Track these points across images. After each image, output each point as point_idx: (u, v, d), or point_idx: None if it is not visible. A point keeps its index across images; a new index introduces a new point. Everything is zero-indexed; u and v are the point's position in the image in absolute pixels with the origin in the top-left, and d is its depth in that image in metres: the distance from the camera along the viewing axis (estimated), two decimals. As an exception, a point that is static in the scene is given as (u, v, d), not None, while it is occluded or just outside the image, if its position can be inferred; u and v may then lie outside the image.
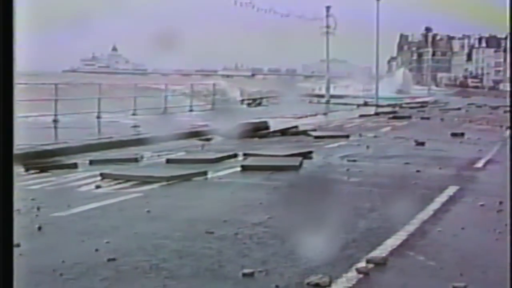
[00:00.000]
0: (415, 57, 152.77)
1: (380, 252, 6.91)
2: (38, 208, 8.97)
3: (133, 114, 26.53)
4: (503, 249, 6.05)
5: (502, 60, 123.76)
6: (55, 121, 21.98)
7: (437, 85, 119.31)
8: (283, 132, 21.53)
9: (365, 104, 44.31)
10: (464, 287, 5.77)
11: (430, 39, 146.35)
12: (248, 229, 7.91)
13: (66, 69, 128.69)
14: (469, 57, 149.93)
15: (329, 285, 5.78)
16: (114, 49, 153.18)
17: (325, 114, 35.65)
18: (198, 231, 7.75)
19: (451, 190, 11.18)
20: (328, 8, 50.88)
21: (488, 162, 15.27)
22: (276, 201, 10.11)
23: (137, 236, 7.54)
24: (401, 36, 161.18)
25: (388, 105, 43.39)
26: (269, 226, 8.10)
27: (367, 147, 17.84)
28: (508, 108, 26.30)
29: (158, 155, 15.36)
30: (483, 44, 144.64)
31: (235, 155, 15.10)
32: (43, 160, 13.62)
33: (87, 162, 13.79)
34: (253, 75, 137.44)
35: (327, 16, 50.84)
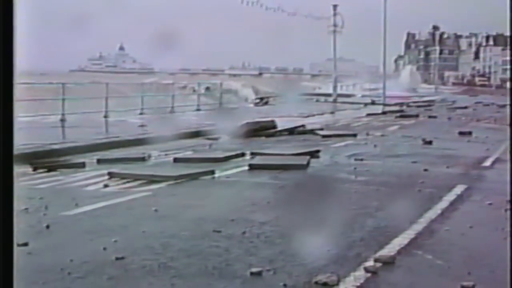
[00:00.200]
0: (422, 55, 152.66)
1: (388, 251, 6.90)
2: (46, 207, 8.99)
3: (141, 113, 26.56)
4: None
5: (509, 58, 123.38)
6: (62, 120, 22.01)
7: (444, 84, 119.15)
8: (291, 131, 21.52)
9: (373, 103, 44.25)
10: (473, 286, 5.76)
11: (437, 37, 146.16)
12: (255, 228, 7.91)
13: (73, 68, 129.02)
14: (476, 55, 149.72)
15: (337, 284, 5.78)
16: (121, 48, 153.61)
17: (332, 113, 35.62)
18: (206, 230, 7.76)
19: (459, 189, 11.16)
20: (335, 6, 50.85)
21: (496, 161, 15.23)
22: (284, 200, 10.11)
23: (145, 235, 7.55)
24: (408, 34, 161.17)
25: (395, 104, 43.33)
26: (277, 225, 8.10)
27: (375, 146, 17.83)
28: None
29: (166, 154, 15.38)
30: (491, 42, 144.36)
31: (243, 154, 15.11)
32: (51, 159, 13.66)
33: (95, 161, 13.82)
34: (260, 74, 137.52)
35: (334, 14, 50.79)
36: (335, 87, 49.76)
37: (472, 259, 6.84)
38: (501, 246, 6.93)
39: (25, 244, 6.73)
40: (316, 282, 5.76)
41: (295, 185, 11.43)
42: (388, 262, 6.46)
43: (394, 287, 6.04)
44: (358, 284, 5.86)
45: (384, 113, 34.78)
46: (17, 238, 6.20)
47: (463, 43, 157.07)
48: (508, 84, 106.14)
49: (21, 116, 18.25)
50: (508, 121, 25.61)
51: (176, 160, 14.30)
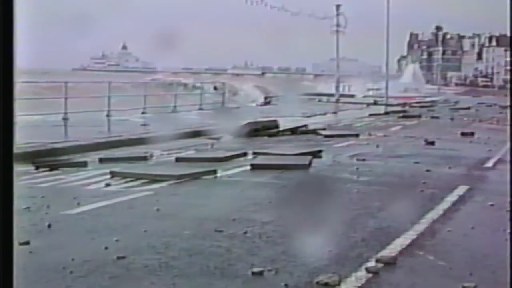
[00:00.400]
0: (425, 56, 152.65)
1: (390, 251, 6.90)
2: (48, 206, 8.99)
3: (143, 113, 26.57)
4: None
5: (510, 59, 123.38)
6: (65, 119, 22.03)
7: (447, 84, 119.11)
8: (293, 131, 21.52)
9: (375, 103, 44.25)
10: (474, 287, 5.76)
11: (440, 37, 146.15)
12: (257, 227, 7.91)
13: (76, 67, 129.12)
14: (479, 56, 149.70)
15: (339, 284, 5.78)
16: (124, 47, 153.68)
17: (334, 113, 35.62)
18: (208, 229, 7.76)
19: (461, 189, 11.15)
20: (338, 6, 50.89)
21: (498, 162, 15.23)
22: (286, 200, 10.11)
23: (147, 234, 7.55)
24: (411, 34, 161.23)
25: (398, 104, 43.33)
26: (279, 224, 8.09)
27: (377, 146, 17.82)
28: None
29: (168, 154, 15.38)
30: (494, 43, 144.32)
31: (245, 154, 15.11)
32: (53, 158, 13.66)
33: (97, 160, 13.82)
34: (263, 73, 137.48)
35: (337, 14, 50.85)
36: (337, 87, 49.76)
37: (473, 260, 6.83)
38: (503, 247, 6.92)
39: (27, 243, 6.74)
40: (317, 282, 5.76)
41: (297, 185, 11.42)
42: (390, 263, 6.46)
43: (396, 287, 6.04)
44: (360, 284, 5.86)
45: (386, 113, 34.80)
46: (19, 237, 6.22)
47: (466, 44, 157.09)
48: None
49: (23, 114, 18.28)
50: (510, 122, 25.60)
51: (178, 159, 14.31)
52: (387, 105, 42.21)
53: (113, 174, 11.78)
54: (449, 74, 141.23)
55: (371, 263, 6.39)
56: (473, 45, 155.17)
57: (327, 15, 52.46)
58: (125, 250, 6.69)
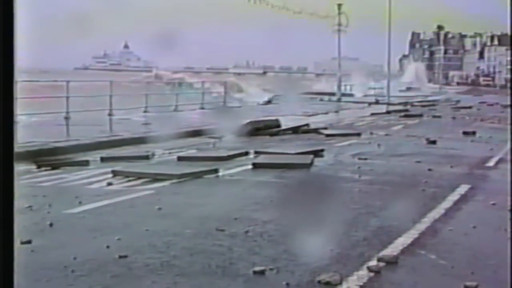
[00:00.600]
0: (427, 55, 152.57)
1: (392, 250, 6.90)
2: (50, 205, 9.00)
3: (145, 112, 26.56)
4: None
5: (510, 58, 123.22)
6: (66, 118, 22.02)
7: (448, 83, 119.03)
8: (294, 130, 21.51)
9: (377, 102, 44.23)
10: (476, 286, 5.76)
11: (442, 37, 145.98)
12: (259, 226, 7.91)
13: (78, 66, 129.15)
14: (481, 55, 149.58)
15: (340, 283, 5.78)
16: (126, 46, 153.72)
17: (336, 112, 35.60)
18: (209, 228, 7.76)
19: (462, 188, 11.16)
20: (340, 5, 50.81)
21: (499, 161, 15.22)
22: (287, 199, 10.11)
23: (148, 233, 7.55)
24: (413, 34, 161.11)
25: (399, 103, 43.31)
26: (280, 223, 8.10)
27: (378, 145, 17.81)
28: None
29: (169, 153, 15.39)
30: (495, 42, 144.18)
31: (246, 153, 15.10)
32: (54, 157, 13.67)
33: (99, 159, 13.83)
34: (264, 72, 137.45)
35: (339, 13, 50.77)
36: (339, 86, 49.73)
37: (475, 259, 6.83)
38: (505, 246, 6.92)
39: (29, 242, 6.74)
40: (319, 281, 5.76)
41: (299, 184, 11.43)
42: (391, 262, 6.46)
43: (397, 286, 6.04)
44: (361, 283, 5.86)
45: (388, 112, 34.75)
46: (21, 236, 6.24)
47: (468, 43, 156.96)
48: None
49: (25, 114, 18.30)
50: None
51: (179, 158, 14.31)
52: (388, 104, 42.18)
53: (114, 173, 11.79)
54: (451, 73, 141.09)
55: (373, 262, 6.39)
56: (474, 44, 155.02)
57: (329, 14, 52.45)
58: (126, 249, 6.69)
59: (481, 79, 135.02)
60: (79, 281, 5.75)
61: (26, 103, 18.56)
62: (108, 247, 6.78)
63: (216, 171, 12.22)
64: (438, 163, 14.39)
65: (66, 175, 11.86)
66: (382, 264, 6.37)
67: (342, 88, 50.91)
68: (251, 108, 34.63)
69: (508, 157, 15.33)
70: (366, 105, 41.45)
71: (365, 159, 14.73)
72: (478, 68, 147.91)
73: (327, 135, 20.38)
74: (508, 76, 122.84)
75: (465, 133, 21.96)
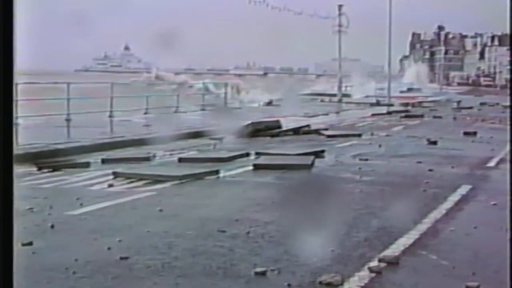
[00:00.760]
0: (427, 55, 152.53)
1: (393, 251, 6.90)
2: (51, 207, 9.00)
3: (145, 113, 26.55)
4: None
5: (509, 59, 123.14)
6: (67, 120, 22.02)
7: (449, 84, 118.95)
8: (295, 131, 21.51)
9: (377, 103, 44.21)
10: (477, 287, 5.76)
11: (442, 37, 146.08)
12: (260, 227, 7.91)
13: (78, 68, 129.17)
14: (481, 55, 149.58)
15: (342, 284, 5.78)
16: (127, 48, 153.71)
17: (337, 113, 35.59)
18: (210, 229, 7.76)
19: (463, 189, 11.16)
20: (340, 6, 50.76)
21: (500, 161, 15.21)
22: (288, 200, 10.11)
23: (150, 234, 7.56)
24: (414, 34, 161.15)
25: (400, 104, 43.30)
26: (281, 224, 8.10)
27: (379, 146, 17.81)
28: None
29: (170, 154, 15.39)
30: (496, 43, 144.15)
31: (247, 154, 15.11)
32: (56, 159, 13.67)
33: (100, 161, 13.83)
34: (265, 74, 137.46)
35: (340, 14, 50.72)
36: (339, 87, 49.71)
37: (477, 260, 6.83)
38: (506, 246, 6.92)
39: (30, 244, 6.75)
40: (320, 282, 5.76)
41: (300, 185, 11.43)
42: (393, 262, 6.46)
43: (399, 287, 6.04)
44: (363, 284, 5.86)
45: (389, 113, 34.75)
46: (22, 237, 6.25)
47: (468, 43, 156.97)
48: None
49: (26, 116, 18.29)
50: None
51: (180, 160, 14.32)
52: (389, 105, 42.17)
53: (116, 175, 11.79)
54: (452, 73, 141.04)
55: (374, 263, 6.39)
56: (475, 45, 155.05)
57: (329, 15, 52.42)
58: (128, 250, 6.70)
59: (481, 79, 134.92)
60: (81, 282, 5.76)
61: (27, 105, 18.57)
62: (109, 248, 6.78)
63: (217, 172, 12.22)
64: (439, 163, 14.39)
65: (67, 177, 11.86)
66: (383, 264, 6.37)
67: (343, 89, 50.86)
68: (251, 109, 34.63)
69: (509, 158, 15.33)
70: (367, 105, 41.43)
71: (366, 159, 14.73)
72: (478, 68, 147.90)
73: (328, 136, 20.39)
74: (509, 76, 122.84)
75: (466, 133, 21.96)
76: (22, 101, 17.78)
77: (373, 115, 32.88)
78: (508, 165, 13.88)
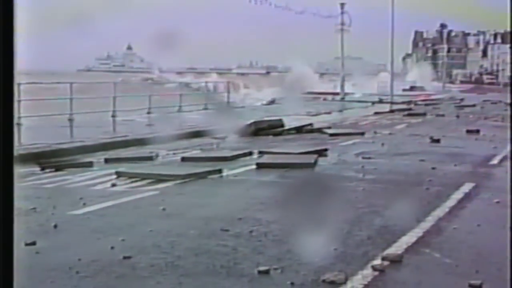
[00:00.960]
0: (430, 53, 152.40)
1: (396, 249, 6.90)
2: (54, 207, 9.01)
3: (148, 113, 26.54)
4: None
5: (510, 56, 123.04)
6: (70, 120, 22.01)
7: (452, 82, 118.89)
8: (298, 129, 21.51)
9: (380, 101, 44.20)
10: (480, 285, 5.76)
11: (445, 35, 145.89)
12: (263, 226, 7.91)
13: (81, 68, 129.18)
14: (484, 53, 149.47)
15: (345, 282, 5.78)
16: (129, 47, 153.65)
17: (340, 111, 35.58)
18: (213, 228, 7.77)
19: (466, 187, 11.15)
20: (342, 5, 50.78)
21: (503, 159, 15.19)
22: (291, 198, 10.10)
23: (153, 234, 7.56)
24: (416, 32, 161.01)
25: (403, 102, 43.29)
26: (284, 223, 8.09)
27: (382, 144, 17.80)
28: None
29: (173, 153, 15.40)
30: (499, 40, 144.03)
31: (250, 153, 15.11)
32: (58, 159, 13.69)
33: (103, 160, 13.85)
34: (268, 72, 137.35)
35: (342, 13, 50.75)
36: (342, 86, 49.70)
37: (480, 258, 6.83)
38: (509, 244, 6.91)
39: (33, 243, 6.76)
40: (323, 281, 5.76)
41: (303, 183, 11.42)
42: (396, 261, 6.46)
43: (402, 285, 6.04)
44: (366, 282, 5.86)
45: (391, 111, 34.75)
46: (25, 237, 6.25)
47: (471, 41, 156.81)
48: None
49: (29, 116, 18.31)
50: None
51: (183, 159, 14.32)
52: (392, 103, 42.15)
53: (118, 174, 11.80)
54: (454, 71, 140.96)
55: (377, 261, 6.39)
56: (478, 43, 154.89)
57: (332, 14, 52.43)
58: (131, 249, 6.70)
59: (484, 77, 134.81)
60: (84, 282, 5.76)
61: (30, 105, 18.59)
62: (112, 248, 6.79)
63: (220, 171, 12.22)
64: (442, 161, 14.38)
65: (70, 177, 11.88)
66: (386, 263, 6.37)
67: (346, 87, 50.84)
68: (254, 108, 34.63)
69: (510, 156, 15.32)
70: (369, 104, 41.42)
71: (369, 158, 14.73)
72: (481, 66, 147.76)
73: (331, 135, 20.38)
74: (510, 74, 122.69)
75: (468, 131, 21.94)
76: (25, 101, 17.82)
77: (375, 113, 32.87)
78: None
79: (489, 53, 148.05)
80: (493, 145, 17.93)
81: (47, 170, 12.57)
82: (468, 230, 8.04)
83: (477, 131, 21.90)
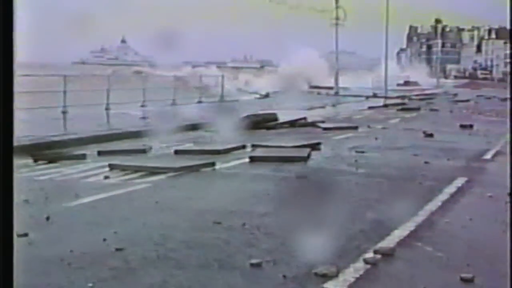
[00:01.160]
0: (424, 48, 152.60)
1: (388, 243, 6.91)
2: (47, 198, 9.01)
3: (142, 106, 26.53)
4: (511, 240, 6.05)
5: (510, 52, 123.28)
6: (64, 112, 22.00)
7: (446, 77, 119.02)
8: (292, 123, 21.51)
9: (374, 95, 44.24)
10: (472, 278, 5.77)
11: (439, 30, 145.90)
12: (255, 219, 7.92)
13: (75, 61, 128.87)
14: (478, 48, 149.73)
15: (337, 275, 5.79)
16: (123, 41, 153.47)
17: (333, 105, 35.61)
18: (206, 221, 7.76)
19: (459, 181, 11.17)
20: (337, -1, 50.78)
21: (496, 154, 15.24)
22: (284, 192, 10.11)
23: (145, 226, 7.56)
24: (411, 27, 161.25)
25: (397, 97, 43.33)
26: (277, 216, 8.11)
27: (376, 138, 17.83)
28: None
29: (166, 146, 15.39)
30: (493, 36, 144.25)
31: (243, 146, 15.11)
32: (52, 151, 13.67)
33: (96, 153, 13.82)
34: (262, 67, 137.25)
35: (337, 7, 50.80)
36: (336, 80, 49.72)
37: (471, 251, 6.85)
38: (501, 238, 6.94)
39: (25, 235, 6.75)
40: (315, 274, 5.77)
41: (296, 177, 11.43)
42: (388, 254, 6.47)
43: (394, 278, 6.04)
44: (358, 275, 5.87)
45: (385, 106, 34.78)
46: (18, 229, 6.21)
47: (465, 36, 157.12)
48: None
49: (22, 108, 18.26)
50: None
51: (177, 152, 14.31)
52: (386, 97, 42.20)
53: (112, 167, 11.79)
54: (448, 66, 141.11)
55: (369, 255, 6.40)
56: (472, 38, 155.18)
57: (326, 8, 52.47)
58: (123, 242, 6.70)
59: (478, 72, 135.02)
60: (76, 274, 5.75)
61: (23, 97, 18.54)
62: (104, 240, 6.78)
63: (213, 164, 12.22)
64: (435, 156, 14.40)
65: (63, 169, 11.86)
66: (378, 256, 6.38)
67: (340, 82, 50.85)
68: (248, 102, 34.61)
69: (505, 150, 15.35)
70: (363, 98, 41.46)
71: (362, 152, 14.75)
72: (475, 61, 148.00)
73: (325, 129, 20.39)
74: (506, 69, 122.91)
75: (462, 126, 21.98)
76: (18, 93, 17.74)
77: (370, 107, 32.90)
78: (504, 158, 13.92)
79: (483, 48, 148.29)
80: (486, 140, 17.98)
81: (40, 162, 12.55)
82: (460, 224, 8.06)
83: (471, 126, 21.95)
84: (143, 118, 21.66)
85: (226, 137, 17.49)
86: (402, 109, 31.55)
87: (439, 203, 9.23)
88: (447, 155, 14.59)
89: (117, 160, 12.46)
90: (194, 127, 19.81)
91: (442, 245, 6.94)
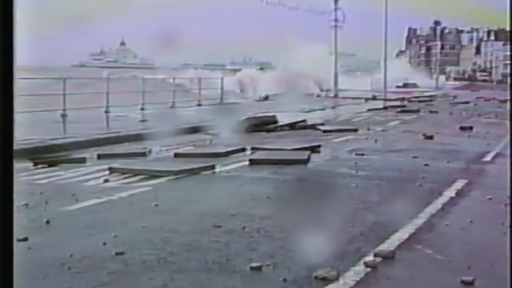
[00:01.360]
0: (423, 50, 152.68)
1: (388, 245, 6.90)
2: (46, 202, 8.99)
3: (142, 109, 26.51)
4: (511, 242, 6.05)
5: (510, 53, 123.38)
6: (63, 115, 21.98)
7: (445, 79, 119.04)
8: (291, 126, 21.50)
9: (374, 98, 44.24)
10: (472, 281, 5.76)
11: (438, 32, 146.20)
12: (255, 222, 7.91)
13: (75, 64, 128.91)
14: (477, 50, 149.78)
15: (337, 278, 5.78)
16: (123, 43, 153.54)
17: (333, 108, 35.60)
18: (206, 224, 7.76)
19: (459, 183, 11.16)
20: (336, 1, 50.80)
21: (496, 156, 15.24)
22: (284, 195, 10.11)
23: (145, 230, 7.55)
24: (410, 29, 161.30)
25: (396, 99, 43.34)
26: (277, 219, 8.10)
27: (375, 141, 17.82)
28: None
29: (166, 150, 15.37)
30: (492, 37, 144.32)
31: (243, 149, 15.10)
32: (51, 155, 13.65)
33: (95, 156, 13.81)
34: (261, 69, 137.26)
35: (336, 9, 50.79)
36: (335, 82, 49.72)
37: (472, 254, 6.84)
38: (501, 240, 6.93)
39: (25, 239, 6.74)
40: (316, 277, 5.76)
41: (296, 180, 11.43)
42: (388, 257, 6.46)
43: (394, 281, 6.04)
44: (358, 278, 5.86)
45: (385, 108, 34.77)
46: (17, 233, 6.20)
47: (465, 38, 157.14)
48: (509, 79, 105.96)
49: (22, 111, 18.26)
50: (508, 117, 25.59)
51: (176, 155, 14.30)
52: (385, 99, 42.19)
53: (111, 170, 11.78)
54: (448, 68, 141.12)
55: (370, 258, 6.39)
56: (471, 40, 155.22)
57: (325, 10, 52.47)
58: (123, 245, 6.69)
59: (478, 74, 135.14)
60: (76, 278, 5.75)
61: (23, 101, 18.52)
62: (104, 244, 6.77)
63: (213, 167, 12.22)
64: (435, 158, 14.40)
65: (63, 173, 11.85)
66: (378, 259, 6.37)
67: (339, 84, 50.84)
68: (247, 105, 34.60)
69: (505, 152, 15.35)
70: (363, 100, 41.45)
71: (362, 154, 14.74)
72: (474, 63, 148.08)
73: (324, 131, 20.39)
74: (505, 71, 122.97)
75: (462, 128, 21.99)
76: (17, 96, 17.74)
77: (369, 110, 32.90)
78: (504, 160, 13.92)
79: (483, 50, 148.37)
80: (486, 142, 17.98)
81: (40, 166, 12.55)
82: (460, 227, 8.05)
83: (470, 128, 21.95)
84: (143, 121, 21.65)
85: (225, 139, 17.50)
86: (402, 111, 31.56)
87: (439, 206, 9.23)
88: (447, 157, 14.59)
89: (117, 164, 12.45)
90: (193, 129, 19.81)
91: (442, 247, 6.93)
